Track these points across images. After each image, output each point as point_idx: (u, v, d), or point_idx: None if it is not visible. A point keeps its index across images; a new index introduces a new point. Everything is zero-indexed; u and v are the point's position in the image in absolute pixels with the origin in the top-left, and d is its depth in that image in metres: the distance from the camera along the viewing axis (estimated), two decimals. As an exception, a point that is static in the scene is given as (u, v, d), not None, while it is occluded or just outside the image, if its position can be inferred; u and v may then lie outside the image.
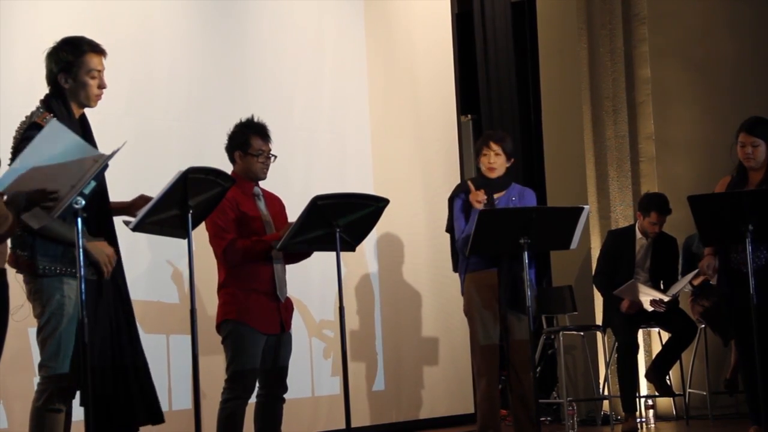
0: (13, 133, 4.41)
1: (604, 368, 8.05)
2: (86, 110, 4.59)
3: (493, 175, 6.12)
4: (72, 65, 4.42)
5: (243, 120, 5.46)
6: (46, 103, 4.42)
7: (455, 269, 6.27)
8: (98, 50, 4.49)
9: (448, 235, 8.16)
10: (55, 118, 4.20)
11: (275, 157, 5.46)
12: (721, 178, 6.14)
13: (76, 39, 4.48)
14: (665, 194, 7.63)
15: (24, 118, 4.41)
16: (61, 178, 4.08)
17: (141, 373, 4.50)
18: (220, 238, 5.25)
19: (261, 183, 5.52)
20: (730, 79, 8.46)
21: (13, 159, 4.34)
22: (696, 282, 7.70)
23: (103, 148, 4.32)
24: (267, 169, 5.43)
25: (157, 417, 4.54)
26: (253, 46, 7.33)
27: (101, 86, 4.50)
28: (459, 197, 6.14)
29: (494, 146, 6.11)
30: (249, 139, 5.38)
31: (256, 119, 5.46)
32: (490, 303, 6.00)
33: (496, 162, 6.10)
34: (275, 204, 5.53)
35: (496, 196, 6.12)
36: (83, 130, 4.49)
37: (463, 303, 6.15)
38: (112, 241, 4.49)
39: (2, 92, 5.97)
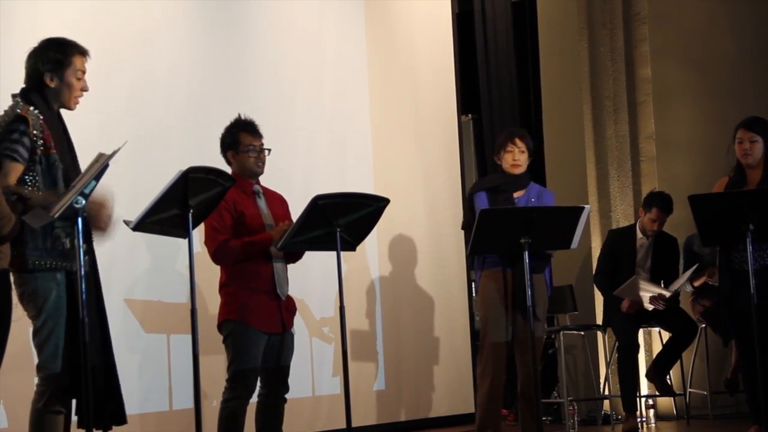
0: None
1: (605, 368, 8.05)
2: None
3: (518, 171, 6.10)
4: (61, 64, 4.41)
5: (231, 122, 5.49)
6: (25, 96, 4.37)
7: (472, 266, 6.27)
8: (84, 52, 4.49)
9: (449, 234, 8.22)
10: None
11: (269, 150, 5.46)
12: (721, 177, 6.14)
13: (63, 39, 4.48)
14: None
15: (2, 113, 4.35)
16: None
17: (112, 372, 4.47)
18: (212, 240, 5.26)
19: (263, 182, 5.52)
20: (730, 79, 8.45)
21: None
22: (697, 283, 7.71)
23: (104, 148, 4.31)
24: (262, 163, 5.44)
25: (121, 418, 4.49)
26: (253, 46, 7.33)
27: (84, 89, 4.50)
28: (480, 193, 6.10)
29: (519, 143, 6.09)
30: (238, 137, 5.41)
31: (242, 117, 5.48)
32: (503, 301, 6.00)
33: (520, 159, 6.09)
34: (277, 203, 5.53)
35: (516, 195, 6.11)
36: (61, 125, 4.47)
37: (478, 300, 6.15)
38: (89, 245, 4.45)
39: (2, 92, 5.96)
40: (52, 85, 4.41)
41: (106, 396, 4.39)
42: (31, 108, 4.32)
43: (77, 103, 4.52)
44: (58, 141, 4.38)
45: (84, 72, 4.48)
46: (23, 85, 4.47)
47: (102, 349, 4.42)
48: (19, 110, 4.30)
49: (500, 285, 6.01)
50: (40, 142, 4.29)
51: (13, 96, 4.41)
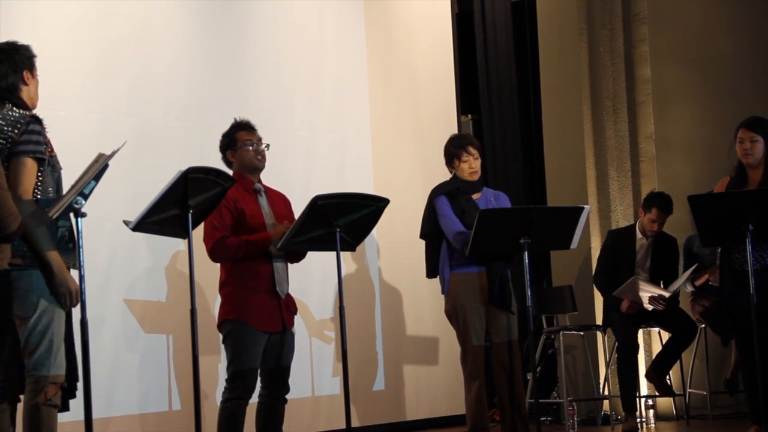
0: None
1: (604, 368, 8.05)
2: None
3: (476, 177, 6.14)
4: (32, 66, 4.42)
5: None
6: (13, 102, 4.34)
7: (431, 275, 6.24)
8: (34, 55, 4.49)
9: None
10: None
11: (268, 146, 5.47)
12: (720, 178, 6.14)
13: (18, 43, 4.45)
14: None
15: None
16: None
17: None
18: (210, 237, 5.27)
19: (263, 182, 5.52)
20: (730, 79, 8.45)
21: (13, 153, 4.27)
22: (698, 282, 7.71)
23: (104, 148, 4.32)
24: (262, 157, 5.45)
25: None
26: (253, 46, 7.33)
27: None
28: (441, 197, 6.12)
29: (472, 150, 6.14)
30: (234, 136, 5.46)
31: (237, 119, 5.51)
32: (479, 303, 6.00)
33: (476, 165, 6.14)
34: (279, 202, 5.54)
35: (474, 196, 6.13)
36: None
37: (446, 303, 6.14)
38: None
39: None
40: (22, 87, 4.38)
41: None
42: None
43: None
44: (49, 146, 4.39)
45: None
46: None
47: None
48: (29, 112, 4.29)
49: (474, 287, 6.01)
50: (47, 146, 4.31)
51: (8, 102, 4.37)
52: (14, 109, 4.31)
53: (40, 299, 4.24)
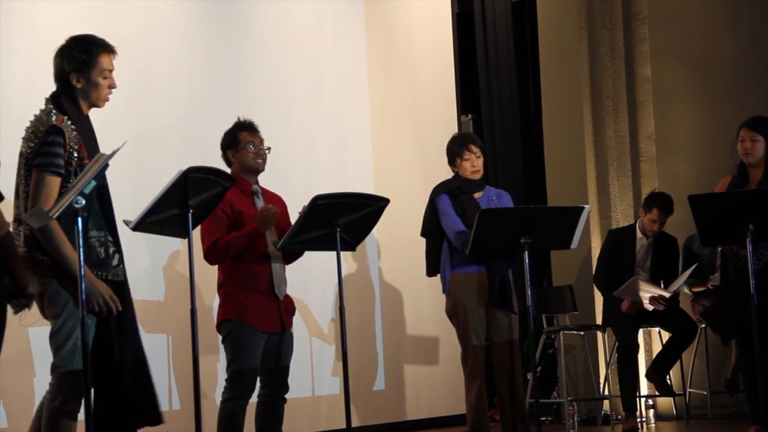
0: (23, 133, 4.32)
1: (605, 368, 8.05)
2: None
3: (478, 176, 6.15)
4: (86, 65, 4.35)
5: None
6: (57, 103, 4.34)
7: (431, 273, 6.25)
8: (110, 50, 4.43)
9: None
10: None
11: (269, 148, 5.47)
12: (721, 177, 6.16)
13: (89, 38, 4.42)
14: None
15: (33, 118, 4.32)
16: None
17: (143, 371, 4.46)
18: (204, 240, 5.27)
19: (262, 182, 5.52)
20: (730, 79, 8.46)
21: (27, 161, 4.27)
22: (695, 290, 7.72)
23: (104, 147, 4.32)
24: (262, 160, 5.44)
25: (156, 418, 4.48)
26: (253, 46, 7.33)
27: (111, 86, 4.44)
28: (442, 195, 6.12)
29: (474, 148, 6.14)
30: (237, 136, 5.44)
31: (241, 118, 5.50)
32: (479, 303, 6.01)
33: (478, 164, 6.14)
34: (275, 203, 5.53)
35: (476, 196, 6.13)
36: (90, 129, 4.47)
37: (447, 303, 6.15)
38: (114, 236, 4.44)
39: (2, 92, 5.97)
40: (79, 85, 4.36)
41: (143, 394, 4.38)
42: (65, 118, 4.29)
43: (107, 100, 4.47)
44: (91, 150, 4.36)
45: (111, 70, 4.42)
46: (54, 88, 4.43)
47: (134, 349, 4.42)
48: (54, 120, 4.27)
49: (474, 286, 6.01)
50: (75, 154, 4.29)
51: (46, 101, 4.37)
52: (52, 112, 4.30)
53: (68, 301, 4.24)
